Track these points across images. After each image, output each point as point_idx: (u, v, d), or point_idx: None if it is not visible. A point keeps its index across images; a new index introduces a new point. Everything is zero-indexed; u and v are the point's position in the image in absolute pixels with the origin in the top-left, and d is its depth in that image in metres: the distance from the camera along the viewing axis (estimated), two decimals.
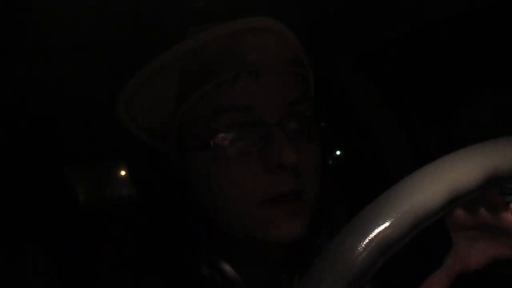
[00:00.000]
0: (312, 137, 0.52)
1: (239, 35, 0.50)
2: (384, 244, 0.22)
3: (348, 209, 0.60)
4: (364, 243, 0.22)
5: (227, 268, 0.51)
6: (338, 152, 1.29)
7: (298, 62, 0.55)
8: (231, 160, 0.48)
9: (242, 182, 0.47)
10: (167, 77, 0.51)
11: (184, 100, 0.50)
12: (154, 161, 0.56)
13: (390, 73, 1.10)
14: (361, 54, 1.00)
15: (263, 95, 0.49)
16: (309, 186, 0.50)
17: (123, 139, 0.56)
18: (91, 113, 0.90)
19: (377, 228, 0.22)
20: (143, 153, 0.57)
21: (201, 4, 0.61)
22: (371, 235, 0.22)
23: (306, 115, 0.52)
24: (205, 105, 0.49)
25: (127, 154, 0.60)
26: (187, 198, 0.53)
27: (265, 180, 0.47)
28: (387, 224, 0.22)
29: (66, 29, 0.60)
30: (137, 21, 0.62)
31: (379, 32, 0.90)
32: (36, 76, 0.72)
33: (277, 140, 0.47)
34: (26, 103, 0.81)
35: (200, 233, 0.55)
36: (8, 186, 0.96)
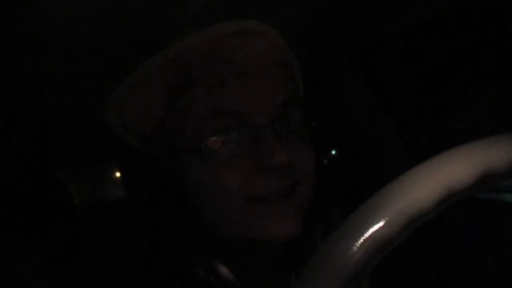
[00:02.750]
0: (302, 137, 0.52)
1: (227, 38, 0.50)
2: (379, 243, 0.22)
3: (342, 208, 0.60)
4: (359, 242, 0.22)
5: (223, 270, 0.51)
6: (333, 152, 1.29)
7: (286, 63, 0.56)
8: (222, 162, 0.48)
9: (232, 182, 0.48)
10: (157, 82, 0.51)
11: (174, 104, 0.50)
12: (145, 165, 0.56)
13: (383, 72, 1.10)
14: (353, 53, 1.01)
15: (252, 98, 0.49)
16: (301, 186, 0.50)
17: (115, 142, 0.55)
18: (86, 114, 0.90)
19: (371, 227, 0.23)
20: (134, 157, 0.57)
21: (201, 4, 0.61)
22: (366, 234, 0.22)
23: (295, 116, 0.52)
24: (195, 110, 0.49)
25: (119, 158, 0.60)
26: (179, 201, 0.53)
27: (255, 179, 0.47)
28: (381, 223, 0.22)
29: (62, 31, 0.60)
30: (135, 22, 0.62)
31: (371, 31, 0.90)
32: (30, 77, 0.71)
33: (268, 141, 0.47)
34: (20, 104, 0.81)
35: (194, 235, 0.55)
36: (2, 188, 0.95)
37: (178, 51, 0.49)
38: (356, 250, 0.22)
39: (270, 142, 0.47)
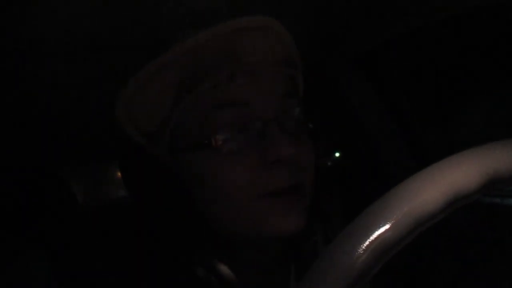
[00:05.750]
0: (304, 133, 0.53)
1: (235, 34, 0.50)
2: (384, 246, 0.22)
3: (343, 209, 0.61)
4: (364, 245, 0.22)
5: (223, 269, 0.52)
6: (337, 154, 1.29)
7: (290, 62, 0.56)
8: (229, 156, 0.48)
9: (240, 176, 0.48)
10: (165, 78, 0.51)
11: (181, 100, 0.51)
12: (146, 163, 0.56)
13: (389, 74, 1.10)
14: (359, 54, 1.01)
15: (259, 92, 0.50)
16: (306, 180, 0.51)
17: (117, 140, 0.55)
18: (90, 113, 0.90)
19: (376, 230, 0.23)
20: (135, 155, 0.57)
21: (201, 4, 0.61)
22: (371, 238, 0.22)
23: (297, 113, 0.53)
24: (201, 104, 0.50)
25: (119, 156, 0.60)
26: (181, 199, 0.53)
27: (263, 174, 0.48)
28: (387, 226, 0.23)
29: (65, 29, 0.60)
30: (137, 21, 0.62)
31: (377, 32, 0.90)
32: (34, 76, 0.72)
33: (275, 135, 0.47)
34: (24, 103, 0.81)
35: (195, 234, 0.55)
36: (6, 187, 0.95)
37: (188, 47, 0.49)
38: (361, 253, 0.22)
39: (277, 135, 0.47)
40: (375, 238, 0.22)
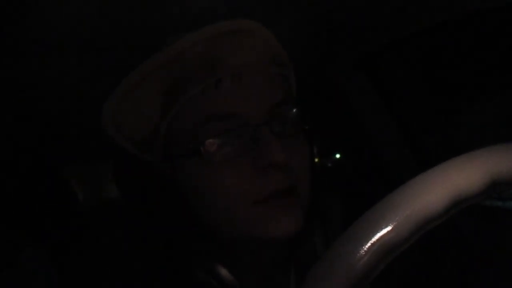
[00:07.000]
0: (298, 136, 0.52)
1: (220, 38, 0.50)
2: (386, 247, 0.22)
3: (343, 211, 0.60)
4: (366, 246, 0.22)
5: (223, 272, 0.51)
6: (337, 156, 1.29)
7: (278, 62, 0.56)
8: (222, 164, 0.48)
9: (235, 184, 0.48)
10: (151, 86, 0.50)
11: (169, 108, 0.50)
12: (138, 169, 0.55)
13: (390, 76, 1.10)
14: (361, 56, 1.01)
15: (247, 98, 0.49)
16: (301, 182, 0.50)
17: (111, 147, 0.55)
18: (90, 112, 0.90)
19: (379, 231, 0.23)
20: (126, 162, 0.56)
21: (201, 5, 0.61)
22: (373, 239, 0.22)
23: (290, 114, 0.52)
24: (191, 113, 0.49)
25: (114, 162, 0.60)
26: (177, 204, 0.53)
27: (257, 180, 0.47)
28: (389, 228, 0.22)
29: (66, 30, 0.60)
30: (137, 22, 0.62)
31: (379, 34, 0.90)
32: (34, 75, 0.72)
33: (265, 140, 0.47)
34: (25, 102, 0.81)
35: (193, 237, 0.55)
36: (7, 186, 0.95)
37: (172, 53, 0.49)
38: (362, 254, 0.22)
39: (268, 141, 0.47)
40: (377, 240, 0.22)
